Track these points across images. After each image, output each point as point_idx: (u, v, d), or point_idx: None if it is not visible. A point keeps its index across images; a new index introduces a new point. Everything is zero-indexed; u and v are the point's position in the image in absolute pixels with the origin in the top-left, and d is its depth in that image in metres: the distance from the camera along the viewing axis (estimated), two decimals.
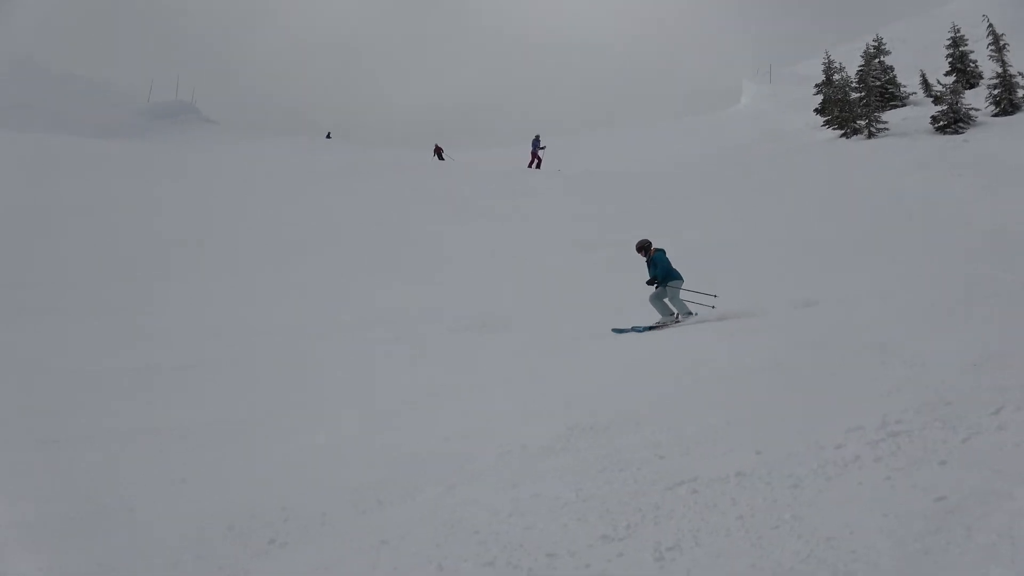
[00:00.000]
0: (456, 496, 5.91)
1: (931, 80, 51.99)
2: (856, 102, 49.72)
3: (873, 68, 53.48)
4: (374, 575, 4.75)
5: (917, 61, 57.68)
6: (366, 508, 6.06)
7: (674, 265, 14.52)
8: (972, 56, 53.17)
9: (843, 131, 49.35)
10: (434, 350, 13.81)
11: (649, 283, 14.86)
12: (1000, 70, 47.22)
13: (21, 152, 32.21)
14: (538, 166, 44.16)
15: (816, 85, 56.08)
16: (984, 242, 19.07)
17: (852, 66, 54.08)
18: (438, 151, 50.96)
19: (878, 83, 52.59)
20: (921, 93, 52.97)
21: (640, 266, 15.27)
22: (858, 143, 45.89)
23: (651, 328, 14.30)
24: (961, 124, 43.54)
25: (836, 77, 53.41)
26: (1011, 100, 46.17)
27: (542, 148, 44.80)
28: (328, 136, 65.41)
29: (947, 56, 53.93)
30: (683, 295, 14.69)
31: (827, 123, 51.68)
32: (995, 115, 45.70)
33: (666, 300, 14.68)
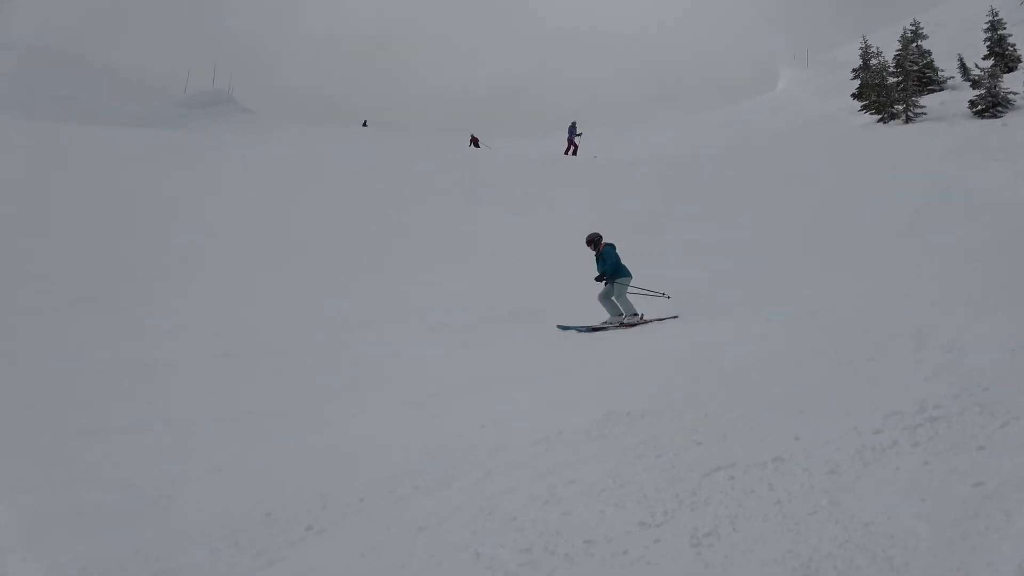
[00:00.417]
0: (493, 483, 5.93)
1: (969, 64, 51.26)
2: (894, 87, 49.17)
3: (911, 52, 52.79)
4: (411, 561, 4.78)
5: (955, 45, 56.95)
6: (403, 495, 6.09)
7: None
8: (1011, 39, 52.34)
9: (880, 116, 48.85)
10: (468, 340, 13.79)
11: (598, 279, 14.33)
12: None
13: (56, 142, 32.42)
14: (574, 153, 43.88)
15: (853, 70, 55.48)
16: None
17: (889, 51, 53.43)
18: (474, 140, 50.93)
19: (916, 67, 51.91)
20: (959, 77, 52.19)
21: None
22: (895, 128, 45.39)
23: (595, 329, 13.81)
24: (999, 108, 42.93)
25: (873, 62, 52.77)
26: None
27: (578, 135, 44.47)
28: (364, 124, 65.35)
29: (985, 40, 53.11)
30: (631, 295, 14.26)
31: (864, 108, 51.17)
32: None
33: (613, 298, 14.14)
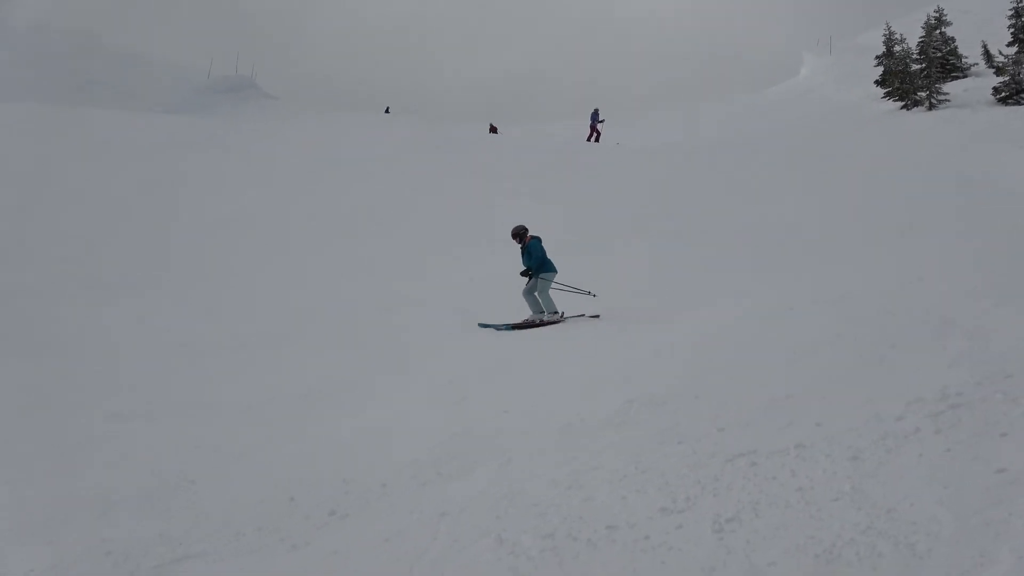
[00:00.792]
0: (515, 469, 5.96)
1: (993, 51, 50.94)
2: (917, 73, 48.92)
3: (934, 39, 52.42)
4: (434, 546, 4.82)
5: (979, 32, 56.50)
6: (426, 480, 6.13)
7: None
8: None
9: (904, 103, 48.63)
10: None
11: (523, 274, 13.99)
12: None
13: (81, 129, 32.56)
14: (597, 140, 43.71)
15: (876, 57, 55.20)
16: None
17: (913, 37, 53.10)
18: (493, 129, 50.85)
19: (939, 54, 51.57)
20: (983, 64, 51.87)
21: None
22: (919, 115, 45.15)
23: (515, 327, 13.47)
24: (1023, 95, 42.74)
25: (897, 49, 52.49)
26: None
27: (601, 121, 44.25)
28: (387, 111, 65.23)
29: (1009, 26, 52.64)
30: (554, 292, 14.01)
31: (887, 95, 50.94)
32: None
33: (536, 294, 13.77)
